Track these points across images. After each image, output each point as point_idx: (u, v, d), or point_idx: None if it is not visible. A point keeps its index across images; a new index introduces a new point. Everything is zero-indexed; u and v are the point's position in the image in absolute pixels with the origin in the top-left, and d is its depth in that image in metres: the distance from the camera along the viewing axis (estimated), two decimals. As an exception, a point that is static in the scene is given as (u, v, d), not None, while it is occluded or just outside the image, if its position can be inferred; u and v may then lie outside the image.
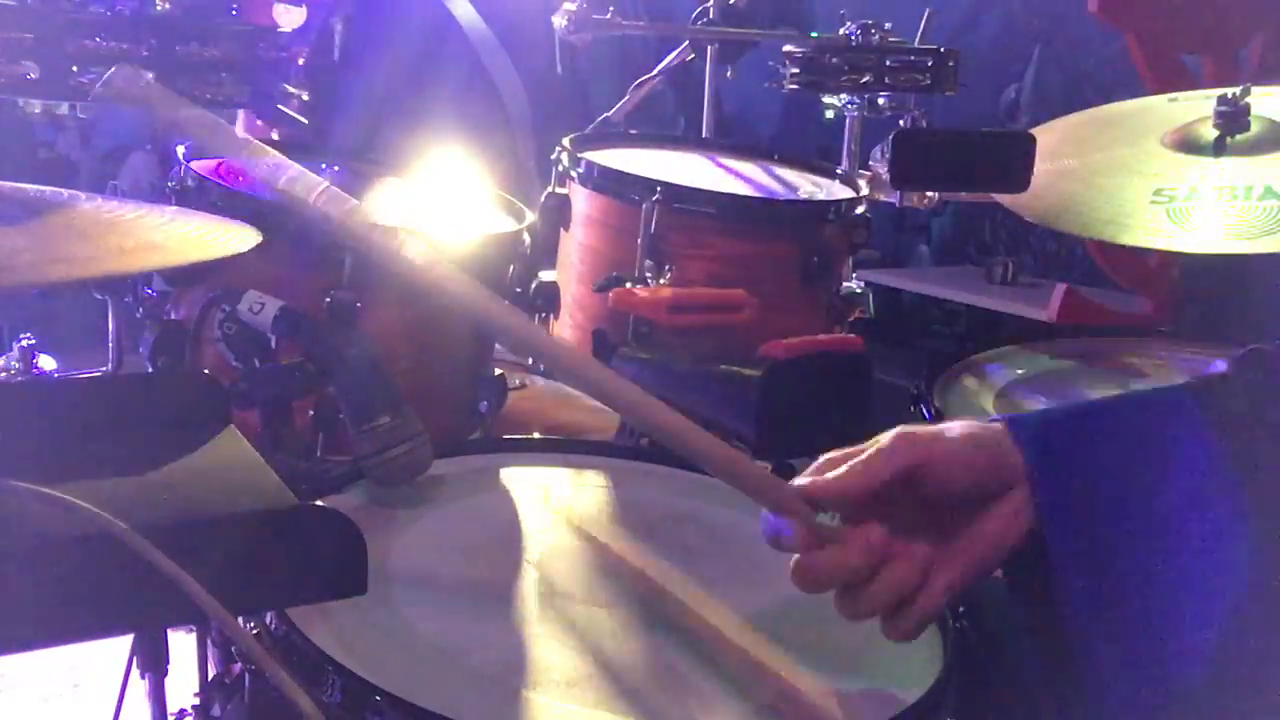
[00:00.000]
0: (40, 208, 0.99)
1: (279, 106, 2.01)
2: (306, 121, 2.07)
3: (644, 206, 1.58)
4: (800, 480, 0.88)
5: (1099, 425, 0.91)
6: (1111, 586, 0.85)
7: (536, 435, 1.43)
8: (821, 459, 0.90)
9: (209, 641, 1.18)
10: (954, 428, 0.90)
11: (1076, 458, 0.88)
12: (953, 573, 0.88)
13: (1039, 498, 0.87)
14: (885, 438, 0.88)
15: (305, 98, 2.10)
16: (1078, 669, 0.86)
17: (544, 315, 1.76)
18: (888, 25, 2.03)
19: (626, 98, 2.34)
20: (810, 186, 1.86)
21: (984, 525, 0.88)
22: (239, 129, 2.50)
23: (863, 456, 0.88)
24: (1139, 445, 0.88)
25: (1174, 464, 0.86)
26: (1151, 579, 0.85)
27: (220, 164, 1.59)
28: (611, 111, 2.31)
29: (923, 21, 2.14)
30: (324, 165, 1.81)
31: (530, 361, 1.86)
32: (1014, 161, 1.49)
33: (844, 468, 0.87)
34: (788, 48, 2.05)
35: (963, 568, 0.88)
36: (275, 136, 2.10)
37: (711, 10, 2.30)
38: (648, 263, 1.57)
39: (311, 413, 1.31)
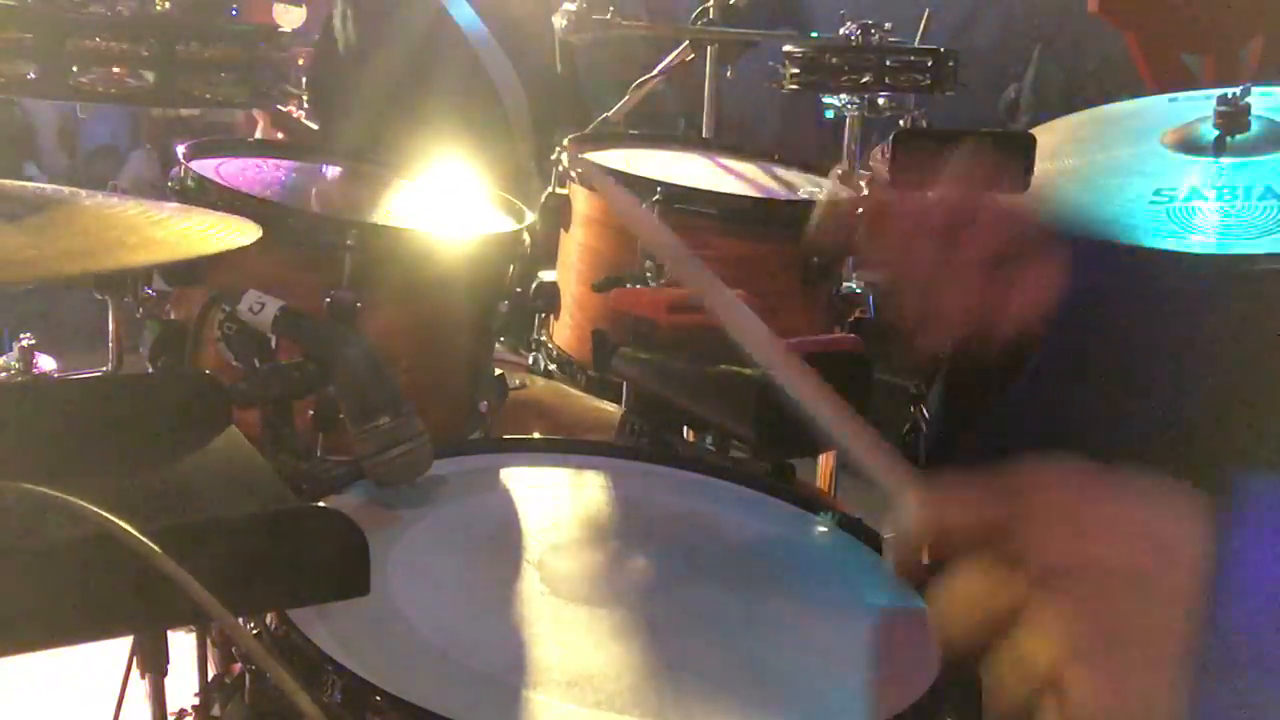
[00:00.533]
0: (41, 205, 0.99)
1: (280, 108, 2.02)
2: (316, 126, 2.08)
3: (644, 207, 1.58)
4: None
5: None
6: None
7: (536, 435, 1.43)
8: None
9: (209, 641, 1.18)
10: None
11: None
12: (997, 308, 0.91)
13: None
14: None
15: (305, 99, 2.11)
16: None
17: (544, 315, 1.76)
18: (888, 25, 2.03)
19: (626, 98, 2.34)
20: (810, 186, 1.86)
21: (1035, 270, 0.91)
22: (259, 132, 2.51)
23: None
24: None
25: None
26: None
27: (220, 164, 1.59)
28: (611, 111, 2.31)
29: (923, 21, 2.14)
30: (324, 165, 1.82)
31: (530, 361, 1.86)
32: (1014, 161, 1.49)
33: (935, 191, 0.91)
34: (788, 48, 2.06)
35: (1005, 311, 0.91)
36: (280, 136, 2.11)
37: (711, 10, 2.30)
38: (648, 263, 1.57)
39: (311, 413, 1.31)
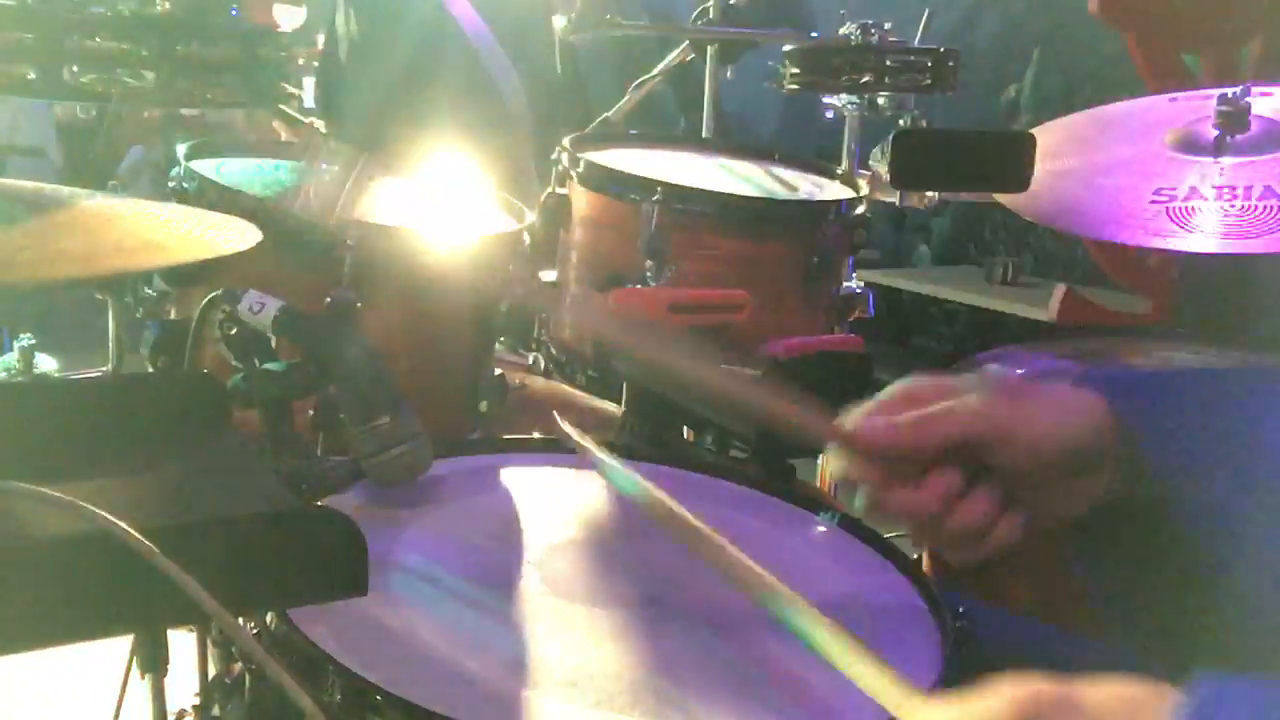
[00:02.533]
0: (41, 205, 0.99)
1: (283, 108, 2.01)
2: (318, 126, 2.07)
3: (644, 206, 1.58)
4: (855, 417, 0.89)
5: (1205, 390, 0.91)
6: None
7: (536, 435, 1.43)
8: (904, 385, 0.90)
9: (209, 641, 1.18)
10: (1042, 401, 0.88)
11: (1185, 423, 0.88)
12: (1030, 514, 0.88)
13: (1154, 463, 0.87)
14: (967, 400, 0.87)
15: (315, 98, 2.10)
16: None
17: (544, 315, 1.76)
18: (888, 25, 2.03)
19: (626, 98, 2.34)
20: (810, 186, 1.86)
21: (1068, 486, 0.88)
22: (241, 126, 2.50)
23: (929, 412, 0.87)
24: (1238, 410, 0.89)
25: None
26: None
27: (220, 164, 1.59)
28: (611, 111, 2.31)
29: (923, 21, 2.14)
30: (324, 165, 1.81)
31: (530, 361, 1.86)
32: (1014, 161, 1.49)
33: (907, 418, 0.88)
34: (788, 48, 2.06)
35: (1040, 516, 0.89)
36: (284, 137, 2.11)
37: (711, 10, 2.30)
38: (648, 263, 1.57)
39: (311, 413, 1.31)
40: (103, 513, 0.65)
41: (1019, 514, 0.89)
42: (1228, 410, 0.90)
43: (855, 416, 0.91)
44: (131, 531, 0.65)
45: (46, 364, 1.92)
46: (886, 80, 1.99)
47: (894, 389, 0.92)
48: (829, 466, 0.92)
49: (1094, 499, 0.89)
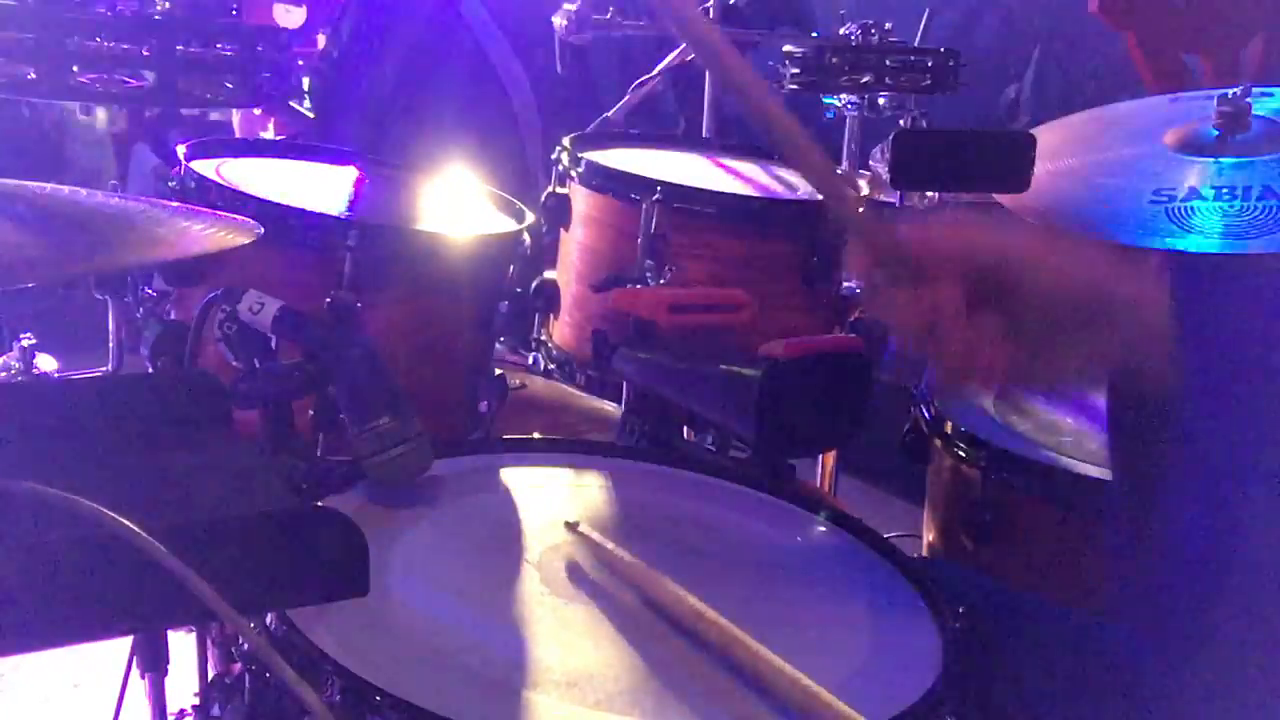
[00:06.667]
0: (41, 205, 0.99)
1: (290, 103, 2.01)
2: (313, 116, 2.07)
3: (644, 206, 1.58)
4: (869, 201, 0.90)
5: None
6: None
7: (536, 435, 1.43)
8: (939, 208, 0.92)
9: (209, 641, 1.18)
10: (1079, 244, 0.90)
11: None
12: (1018, 362, 0.89)
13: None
14: (983, 228, 0.91)
15: (307, 100, 2.10)
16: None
17: (544, 315, 1.76)
18: (888, 25, 2.03)
19: (626, 98, 2.34)
20: (810, 186, 1.86)
21: (1073, 339, 0.89)
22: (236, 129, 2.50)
23: (946, 228, 0.91)
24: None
25: None
26: None
27: (220, 164, 1.59)
28: (611, 111, 2.31)
29: (923, 21, 2.14)
30: (325, 165, 1.81)
31: (530, 361, 1.86)
32: (1014, 161, 1.49)
33: (948, 222, 0.90)
34: (788, 48, 2.05)
35: (1039, 357, 0.90)
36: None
37: (711, 10, 2.30)
38: (648, 263, 1.57)
39: (311, 413, 1.31)
40: (109, 512, 0.65)
41: (1003, 357, 0.89)
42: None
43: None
44: (139, 531, 0.65)
45: (46, 364, 1.92)
46: (886, 80, 1.99)
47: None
48: (849, 257, 0.92)
49: (1091, 361, 0.90)
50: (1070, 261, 0.90)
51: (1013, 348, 0.88)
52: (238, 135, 2.42)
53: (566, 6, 2.21)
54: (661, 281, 1.56)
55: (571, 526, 1.10)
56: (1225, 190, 1.56)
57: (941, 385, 0.92)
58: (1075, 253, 0.90)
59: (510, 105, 2.87)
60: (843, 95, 2.08)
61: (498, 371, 1.60)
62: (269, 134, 2.55)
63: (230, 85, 1.82)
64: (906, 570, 1.12)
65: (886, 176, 1.80)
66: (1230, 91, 1.64)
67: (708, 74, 2.34)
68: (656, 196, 1.58)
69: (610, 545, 1.06)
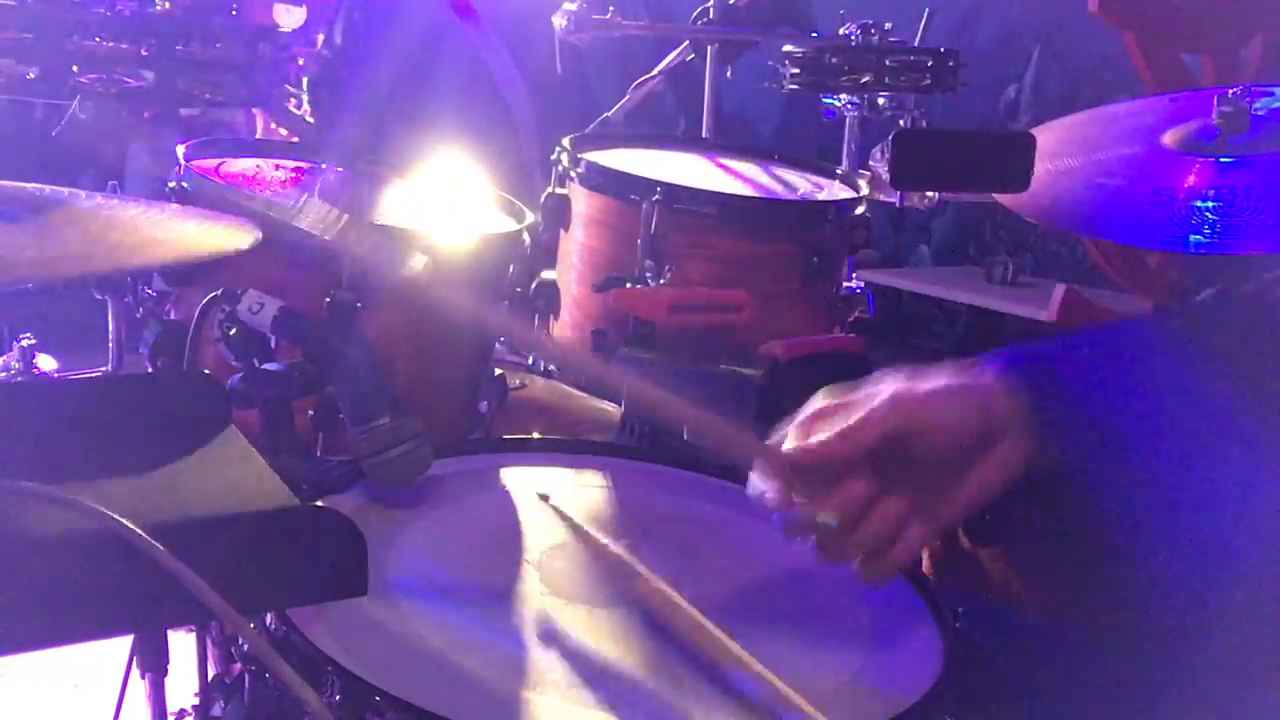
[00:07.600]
0: (41, 205, 0.99)
1: (287, 107, 2.01)
2: (313, 121, 2.07)
3: (644, 206, 1.58)
4: (788, 445, 0.93)
5: (1088, 354, 0.94)
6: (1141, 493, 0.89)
7: (536, 435, 1.43)
8: (812, 408, 0.95)
9: (209, 641, 1.18)
10: (945, 385, 0.93)
11: (1075, 389, 0.93)
12: (932, 523, 0.93)
13: (1049, 437, 0.91)
14: (879, 400, 0.92)
15: (306, 100, 2.10)
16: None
17: (544, 315, 1.76)
18: (888, 25, 2.03)
19: (626, 98, 2.34)
20: (810, 186, 1.86)
21: (967, 478, 0.93)
22: (259, 131, 2.50)
23: (851, 420, 0.92)
24: (1129, 365, 0.93)
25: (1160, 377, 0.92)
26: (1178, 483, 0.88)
27: (220, 164, 1.59)
28: (611, 111, 2.31)
29: (923, 21, 2.14)
30: (324, 165, 1.81)
31: (530, 361, 1.86)
32: (1014, 161, 1.49)
33: (831, 432, 0.91)
34: (788, 48, 2.06)
35: (943, 518, 0.94)
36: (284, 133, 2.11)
37: (711, 10, 2.30)
38: (648, 263, 1.57)
39: (311, 413, 1.31)
40: (109, 512, 0.65)
41: (918, 529, 0.93)
42: (1127, 366, 0.94)
43: (775, 440, 0.95)
44: (139, 531, 0.65)
45: (46, 364, 1.92)
46: (886, 80, 1.99)
47: (805, 410, 0.96)
48: (751, 487, 0.96)
49: (1010, 477, 0.93)
50: (945, 417, 0.93)
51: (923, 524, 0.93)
52: (259, 136, 2.42)
53: (566, 6, 2.21)
54: (661, 281, 1.56)
55: (544, 498, 1.12)
56: (1225, 190, 1.56)
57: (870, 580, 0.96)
58: (949, 408, 0.93)
59: (506, 104, 2.86)
60: (842, 95, 2.08)
61: (498, 371, 1.60)
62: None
63: (229, 85, 1.83)
64: (906, 571, 1.12)
65: (886, 176, 1.80)
66: (1230, 91, 1.64)
67: (707, 75, 2.35)
68: (656, 197, 1.58)
69: (606, 541, 1.06)
